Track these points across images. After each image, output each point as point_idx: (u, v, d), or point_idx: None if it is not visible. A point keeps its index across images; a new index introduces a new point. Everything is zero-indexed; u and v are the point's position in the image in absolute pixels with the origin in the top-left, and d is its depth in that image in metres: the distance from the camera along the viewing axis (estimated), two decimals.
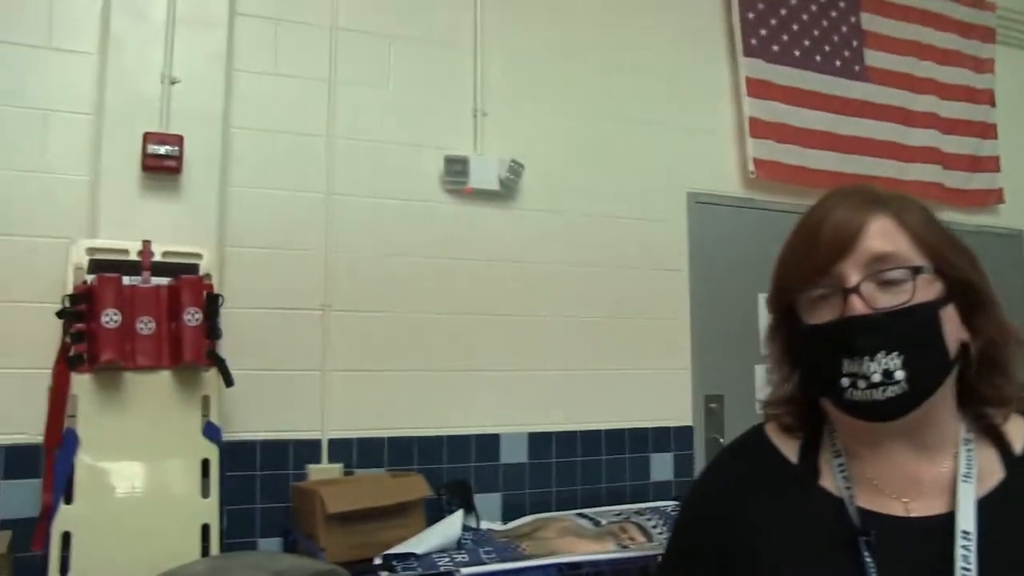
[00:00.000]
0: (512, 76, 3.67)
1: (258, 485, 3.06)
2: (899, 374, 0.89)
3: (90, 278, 2.63)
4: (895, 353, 0.89)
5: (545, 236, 3.65)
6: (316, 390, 3.19)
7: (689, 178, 4.00)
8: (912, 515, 0.95)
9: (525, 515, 3.36)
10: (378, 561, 2.67)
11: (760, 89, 4.12)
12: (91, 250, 2.72)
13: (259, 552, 2.94)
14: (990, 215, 4.88)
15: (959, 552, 0.89)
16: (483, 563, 2.68)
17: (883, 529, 0.93)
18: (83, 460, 2.52)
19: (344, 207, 3.30)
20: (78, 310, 2.56)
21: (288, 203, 3.22)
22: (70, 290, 2.61)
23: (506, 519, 3.35)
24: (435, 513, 3.06)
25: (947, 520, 0.91)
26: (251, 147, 3.18)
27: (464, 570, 2.62)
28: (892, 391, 0.89)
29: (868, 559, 0.91)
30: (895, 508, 0.96)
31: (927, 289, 0.92)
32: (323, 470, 3.12)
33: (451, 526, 2.87)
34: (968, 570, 0.87)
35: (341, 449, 3.20)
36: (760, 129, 4.09)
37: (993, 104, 4.89)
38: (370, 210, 3.35)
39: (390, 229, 3.37)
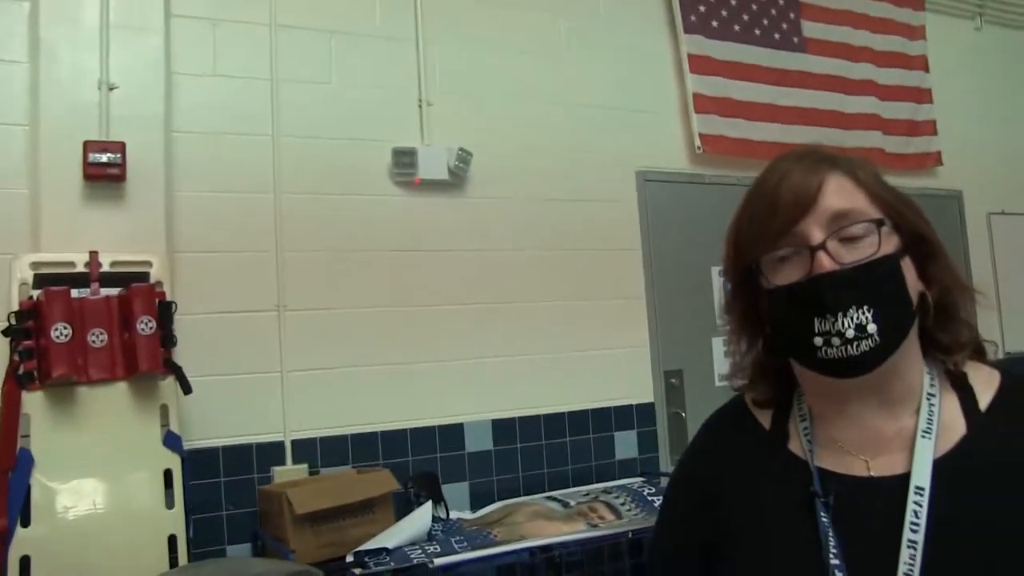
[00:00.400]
0: (456, 65, 3.66)
1: (223, 491, 3.03)
2: (871, 327, 0.90)
3: (36, 293, 2.57)
4: (865, 307, 0.90)
5: (497, 223, 3.65)
6: (276, 392, 3.17)
7: (638, 157, 4.02)
8: (873, 474, 0.96)
9: (494, 502, 3.38)
10: (350, 559, 2.66)
11: (702, 65, 4.16)
12: (36, 264, 2.66)
13: (229, 559, 2.91)
14: (929, 177, 5.00)
15: (910, 508, 0.90)
16: (455, 552, 2.69)
17: (843, 489, 0.95)
18: (39, 480, 2.46)
19: (293, 206, 3.26)
20: (26, 327, 2.50)
21: (236, 205, 3.18)
22: (15, 307, 2.55)
23: (475, 507, 3.37)
24: (404, 506, 3.06)
25: (906, 478, 0.93)
26: (195, 151, 3.12)
27: (437, 560, 2.62)
28: (866, 345, 0.91)
29: (824, 519, 0.94)
30: (857, 468, 0.97)
31: (887, 242, 0.94)
32: (288, 471, 3.10)
33: (421, 518, 2.88)
34: (917, 527, 0.89)
35: (305, 449, 3.18)
36: (704, 104, 4.13)
37: (927, 69, 5.00)
38: (320, 207, 3.31)
39: (341, 225, 3.35)
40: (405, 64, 3.56)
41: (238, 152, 3.20)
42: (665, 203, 4.05)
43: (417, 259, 3.47)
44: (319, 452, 3.20)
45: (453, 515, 3.20)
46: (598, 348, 3.79)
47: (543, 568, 2.77)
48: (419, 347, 3.43)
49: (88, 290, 2.63)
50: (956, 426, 0.96)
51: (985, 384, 1.00)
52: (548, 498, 3.35)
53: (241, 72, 3.24)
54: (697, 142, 4.08)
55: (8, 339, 2.52)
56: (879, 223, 0.94)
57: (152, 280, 2.74)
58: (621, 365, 3.83)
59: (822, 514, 0.94)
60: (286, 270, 3.23)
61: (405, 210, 3.47)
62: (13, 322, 2.51)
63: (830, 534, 0.92)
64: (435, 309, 3.48)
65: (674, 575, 1.11)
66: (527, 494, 3.49)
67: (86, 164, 2.77)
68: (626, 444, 3.82)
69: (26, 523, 2.42)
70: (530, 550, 2.76)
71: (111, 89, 2.89)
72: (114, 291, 2.65)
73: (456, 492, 3.39)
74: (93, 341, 2.57)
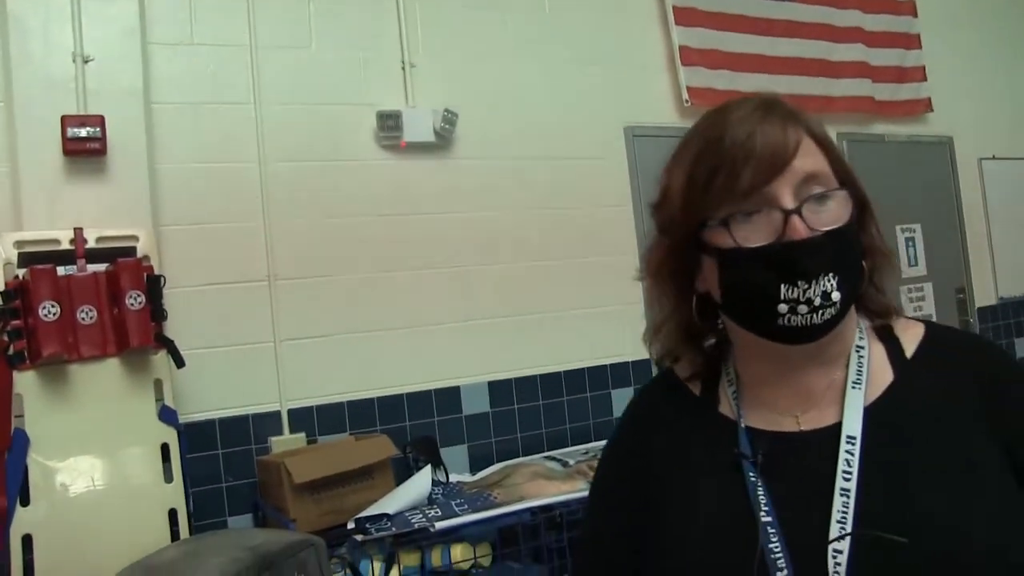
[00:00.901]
0: (438, 24, 3.60)
1: (222, 463, 3.03)
2: (836, 295, 0.88)
3: (22, 272, 2.54)
4: (831, 274, 0.88)
5: (486, 184, 3.61)
6: (270, 361, 3.15)
7: (625, 112, 3.98)
8: (803, 428, 0.95)
9: (492, 464, 3.39)
10: (351, 525, 2.67)
11: (687, 17, 4.11)
12: (19, 243, 2.62)
13: (230, 531, 2.92)
14: (920, 124, 4.97)
15: (842, 457, 0.90)
16: (456, 515, 2.69)
17: (774, 446, 0.94)
18: (36, 459, 2.45)
19: (279, 174, 3.23)
20: (13, 306, 2.47)
21: (221, 175, 3.14)
22: (1, 287, 2.52)
23: (474, 470, 3.38)
24: (403, 471, 3.07)
25: (836, 429, 0.92)
26: (176, 122, 3.08)
27: (438, 524, 2.63)
28: (829, 312, 0.88)
29: (752, 477, 0.93)
30: (787, 424, 0.97)
31: (847, 208, 0.92)
32: (286, 441, 3.10)
33: (420, 483, 2.88)
34: (849, 475, 0.88)
35: (302, 418, 3.17)
36: (691, 57, 4.08)
37: (915, 14, 4.95)
38: (306, 174, 3.28)
39: (328, 191, 3.31)
40: (386, 25, 3.50)
41: (220, 122, 3.16)
42: (654, 158, 3.95)
43: (406, 223, 3.44)
44: (316, 420, 3.20)
45: (453, 478, 3.21)
46: (592, 306, 3.78)
47: (544, 528, 2.78)
48: (412, 311, 3.42)
49: (75, 267, 2.60)
50: (884, 375, 0.97)
51: (910, 335, 1.00)
52: (547, 458, 3.36)
53: (219, 40, 3.19)
54: (685, 95, 4.04)
55: None
56: (847, 189, 0.93)
57: (139, 255, 2.71)
58: (615, 322, 3.81)
59: (750, 473, 0.93)
60: (275, 239, 3.20)
61: (392, 174, 3.43)
62: (0, 302, 2.48)
63: (760, 492, 0.91)
64: (426, 272, 3.46)
65: (604, 552, 1.08)
66: (526, 455, 3.50)
67: (65, 139, 2.73)
68: (623, 401, 3.80)
69: (25, 502, 2.42)
70: (531, 510, 2.77)
71: (86, 62, 2.84)
72: (101, 267, 2.62)
73: (455, 455, 3.40)
74: (82, 318, 2.54)
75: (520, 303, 3.62)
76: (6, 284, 2.52)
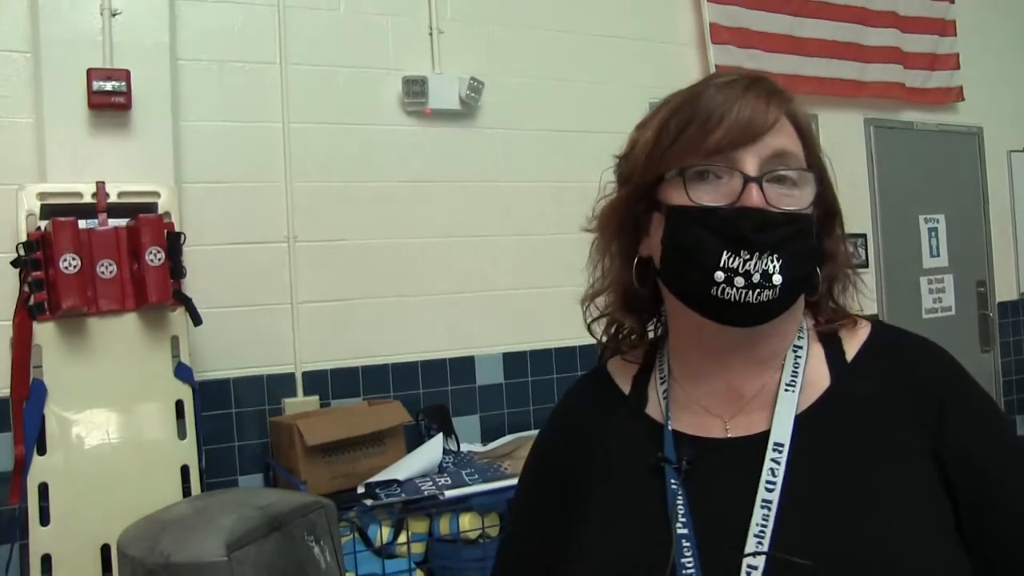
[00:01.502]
0: None
1: (235, 423, 3.05)
2: (776, 278, 0.84)
3: (44, 224, 2.54)
4: (775, 255, 0.84)
5: (509, 154, 3.59)
6: (287, 323, 3.16)
7: (652, 88, 3.90)
8: (730, 435, 0.92)
9: (504, 435, 3.39)
10: (361, 490, 2.69)
11: None
12: (42, 195, 2.62)
13: (241, 489, 2.95)
14: (949, 113, 4.89)
15: (767, 466, 0.86)
16: (466, 485, 2.71)
17: (700, 453, 0.90)
18: (53, 410, 2.47)
19: (303, 135, 3.21)
20: (34, 257, 2.47)
21: (245, 135, 3.13)
22: (24, 238, 2.53)
23: (485, 440, 3.38)
24: (414, 439, 3.08)
25: (765, 436, 0.88)
26: (202, 79, 3.07)
27: (448, 492, 2.65)
28: (765, 295, 0.84)
29: (674, 485, 0.88)
30: (715, 429, 0.93)
31: (809, 197, 0.88)
32: (299, 403, 3.12)
33: (432, 451, 2.89)
34: (772, 486, 0.84)
35: (316, 381, 3.18)
36: (721, 34, 4.03)
37: (952, 0, 4.85)
38: (330, 137, 3.27)
39: (352, 155, 3.30)
40: None
41: (245, 81, 3.15)
42: None
43: (428, 189, 3.43)
44: (330, 384, 3.21)
45: (464, 448, 3.22)
46: None
47: None
48: (430, 279, 3.41)
49: (96, 221, 2.61)
50: (821, 380, 0.92)
51: (854, 336, 0.95)
52: None
53: None
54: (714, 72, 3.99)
55: (18, 271, 2.51)
56: (818, 178, 0.89)
57: (160, 211, 2.71)
58: None
59: (672, 481, 0.89)
60: (296, 201, 3.19)
61: (416, 140, 3.42)
62: (22, 253, 2.49)
63: (679, 503, 0.87)
64: (447, 240, 3.45)
65: (523, 558, 1.05)
66: (538, 427, 3.49)
67: (90, 92, 2.73)
68: None
69: (42, 452, 2.44)
70: None
71: (114, 15, 2.83)
72: (122, 222, 2.62)
73: (467, 425, 3.41)
74: (102, 272, 2.54)
75: (538, 275, 3.60)
76: (28, 235, 2.53)
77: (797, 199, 0.87)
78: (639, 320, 1.03)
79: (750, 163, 0.86)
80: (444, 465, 2.91)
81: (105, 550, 2.40)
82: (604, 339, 1.06)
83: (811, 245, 0.89)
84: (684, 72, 4.01)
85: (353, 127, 3.30)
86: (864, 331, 0.96)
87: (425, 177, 3.42)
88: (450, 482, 2.71)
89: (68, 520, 2.41)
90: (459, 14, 3.53)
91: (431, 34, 3.46)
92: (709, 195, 0.86)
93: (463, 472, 2.80)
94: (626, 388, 1.02)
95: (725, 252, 0.84)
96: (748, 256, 0.84)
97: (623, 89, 3.85)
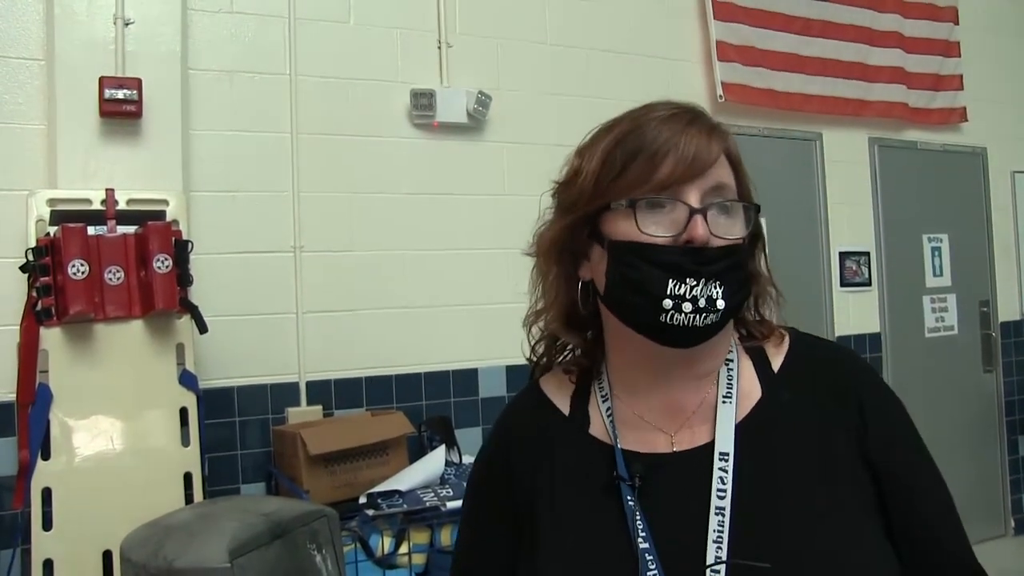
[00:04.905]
0: (476, 6, 3.59)
1: (238, 431, 3.05)
2: (720, 303, 0.88)
3: (53, 230, 2.56)
4: (719, 283, 0.88)
5: (516, 168, 3.61)
6: (292, 332, 3.17)
7: None
8: (676, 449, 0.95)
9: None
10: (363, 500, 2.69)
11: (726, 12, 4.08)
12: (52, 201, 2.64)
13: (244, 496, 2.95)
14: (953, 133, 4.92)
15: (716, 474, 0.90)
16: None
17: (649, 469, 0.93)
18: (57, 415, 2.47)
19: (311, 146, 3.24)
20: (43, 263, 2.49)
21: (253, 144, 3.15)
22: (33, 243, 2.55)
23: None
24: (417, 450, 3.08)
25: (710, 448, 0.93)
26: (212, 88, 3.09)
27: (450, 504, 2.65)
28: (711, 318, 0.88)
29: (631, 502, 0.91)
30: (661, 444, 0.96)
31: (743, 226, 0.93)
32: (303, 412, 3.12)
33: (434, 462, 2.90)
34: (723, 493, 0.89)
35: (320, 391, 3.19)
36: (728, 52, 4.06)
37: (956, 21, 4.88)
38: (338, 148, 3.29)
39: (359, 167, 3.32)
40: (425, 4, 3.49)
41: (255, 91, 3.17)
42: None
43: (434, 202, 3.45)
44: (333, 394, 3.21)
45: (466, 459, 3.22)
46: None
47: None
48: (435, 291, 3.43)
49: (104, 227, 2.62)
50: (753, 390, 0.98)
51: (776, 347, 1.02)
52: None
53: (258, 9, 3.20)
54: (719, 91, 4.01)
55: (26, 275, 2.52)
56: (754, 209, 0.95)
57: (168, 218, 2.72)
58: None
59: (628, 498, 0.92)
60: (303, 211, 3.21)
61: (423, 152, 3.44)
62: (30, 258, 2.51)
63: (637, 517, 0.90)
64: (451, 253, 3.47)
65: None
66: None
67: (102, 100, 2.75)
68: None
69: (46, 456, 2.45)
70: None
71: (127, 24, 2.85)
72: (130, 229, 2.64)
73: (469, 437, 3.41)
74: (110, 279, 2.56)
75: None
76: (38, 241, 2.54)
77: (735, 228, 0.92)
78: (581, 337, 1.05)
79: (693, 195, 0.90)
80: (446, 476, 2.91)
81: (107, 555, 2.41)
82: (540, 357, 1.10)
83: (747, 271, 0.96)
84: (690, 89, 4.04)
85: (361, 139, 3.33)
86: (785, 343, 1.03)
87: (431, 189, 3.44)
88: (452, 493, 2.71)
89: (71, 525, 2.42)
90: (468, 28, 3.56)
91: (440, 48, 3.49)
92: (654, 227, 0.90)
93: (465, 484, 2.80)
94: (564, 407, 1.04)
95: (671, 280, 0.88)
96: (694, 282, 0.88)
97: (629, 105, 3.76)
